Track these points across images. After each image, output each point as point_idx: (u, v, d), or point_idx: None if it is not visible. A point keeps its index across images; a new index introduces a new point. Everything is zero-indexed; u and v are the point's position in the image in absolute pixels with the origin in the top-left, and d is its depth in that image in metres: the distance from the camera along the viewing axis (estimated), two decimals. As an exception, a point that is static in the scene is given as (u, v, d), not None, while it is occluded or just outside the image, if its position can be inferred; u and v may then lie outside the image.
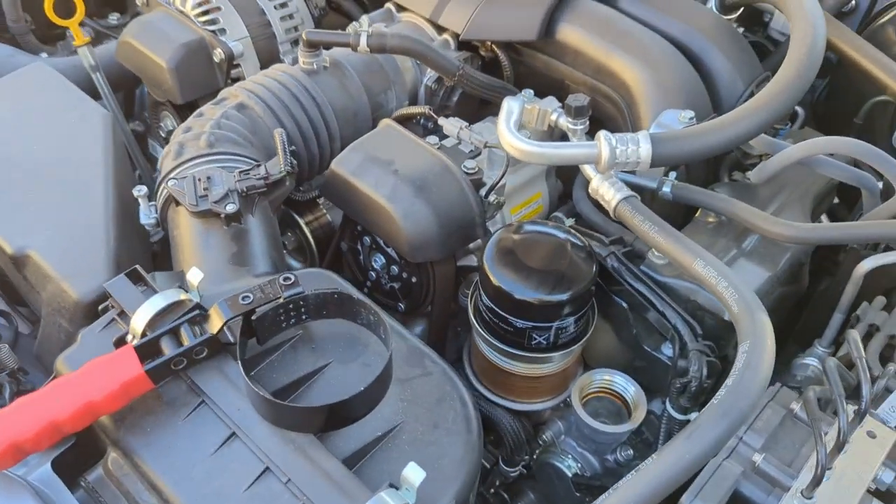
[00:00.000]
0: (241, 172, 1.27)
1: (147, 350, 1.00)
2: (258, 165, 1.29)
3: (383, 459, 0.99)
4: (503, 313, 1.20)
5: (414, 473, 0.88)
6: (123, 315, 1.08)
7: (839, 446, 0.94)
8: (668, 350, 1.28)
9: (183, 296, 1.07)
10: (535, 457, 1.40)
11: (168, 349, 1.01)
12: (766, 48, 1.90)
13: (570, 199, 1.49)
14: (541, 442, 1.38)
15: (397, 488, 0.88)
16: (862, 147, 1.21)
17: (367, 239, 1.42)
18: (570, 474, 1.34)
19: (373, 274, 1.45)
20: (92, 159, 1.40)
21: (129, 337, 1.05)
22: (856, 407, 1.01)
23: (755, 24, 1.94)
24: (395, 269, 1.40)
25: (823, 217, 1.68)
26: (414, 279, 1.38)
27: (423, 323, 1.50)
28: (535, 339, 1.21)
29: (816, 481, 0.93)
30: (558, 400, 1.35)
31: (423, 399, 1.05)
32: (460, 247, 1.36)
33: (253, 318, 1.03)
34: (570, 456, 1.35)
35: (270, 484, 0.93)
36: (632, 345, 1.31)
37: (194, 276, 1.08)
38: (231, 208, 1.23)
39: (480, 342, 1.29)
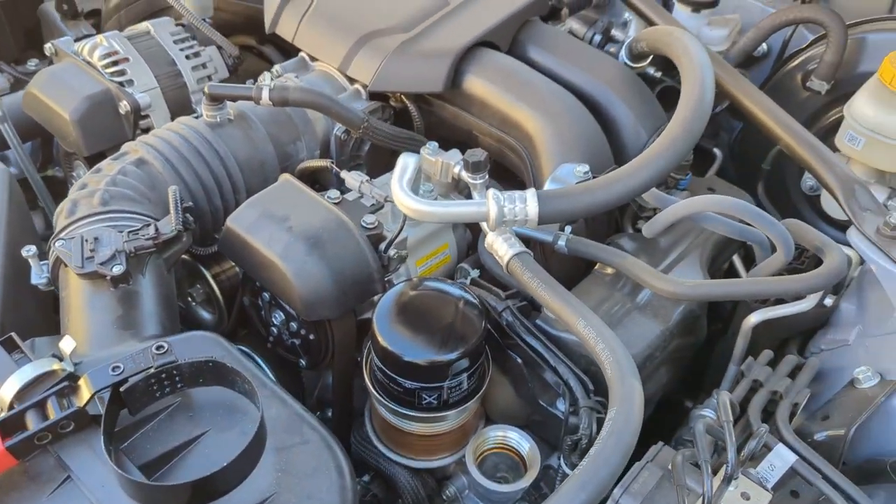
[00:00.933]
0: (130, 232, 1.26)
1: (11, 425, 0.97)
2: (148, 225, 1.28)
3: (253, 534, 0.97)
4: (392, 374, 1.19)
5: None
6: (-5, 385, 1.06)
7: (704, 511, 0.94)
8: (563, 406, 1.28)
9: (56, 365, 1.04)
10: (439, 512, 1.39)
11: (33, 423, 0.98)
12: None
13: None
14: (444, 497, 1.37)
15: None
16: (740, 206, 1.22)
17: (266, 295, 1.40)
18: (471, 530, 1.33)
19: (274, 329, 1.44)
20: (-18, 218, 1.38)
21: (-2, 410, 1.02)
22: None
23: (673, 68, 1.96)
24: (294, 325, 1.39)
25: (736, 258, 1.70)
26: (312, 336, 1.37)
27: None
28: (426, 398, 1.20)
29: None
30: (458, 455, 1.33)
31: (299, 469, 1.03)
32: (358, 303, 1.35)
33: (122, 388, 1.01)
34: (472, 511, 1.34)
35: (132, 564, 0.91)
36: (529, 400, 1.31)
37: (67, 344, 1.06)
38: (118, 270, 1.21)
39: (375, 401, 1.27)
